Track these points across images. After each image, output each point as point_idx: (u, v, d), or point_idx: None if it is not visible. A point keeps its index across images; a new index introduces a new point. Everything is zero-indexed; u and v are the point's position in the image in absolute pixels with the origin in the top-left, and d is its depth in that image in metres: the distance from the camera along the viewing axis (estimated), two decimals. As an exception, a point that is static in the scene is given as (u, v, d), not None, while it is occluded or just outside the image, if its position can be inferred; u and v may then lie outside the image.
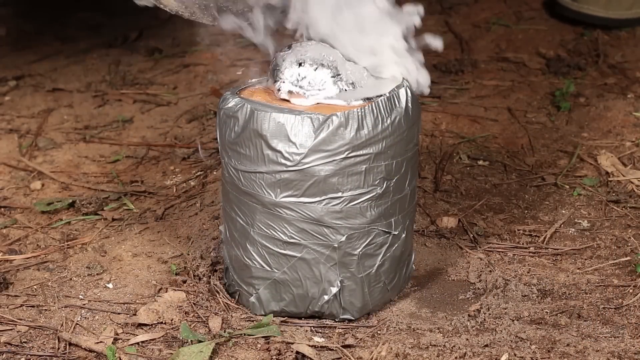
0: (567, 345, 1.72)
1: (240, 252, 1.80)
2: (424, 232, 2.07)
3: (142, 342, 1.76)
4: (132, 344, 1.75)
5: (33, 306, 1.87)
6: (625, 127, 2.51)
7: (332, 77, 1.76)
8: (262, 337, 1.75)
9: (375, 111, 1.71)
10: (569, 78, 2.78)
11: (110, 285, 1.93)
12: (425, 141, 2.43)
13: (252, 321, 1.80)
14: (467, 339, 1.73)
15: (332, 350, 1.73)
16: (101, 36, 3.24)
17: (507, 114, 2.61)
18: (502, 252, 2.01)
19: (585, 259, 1.98)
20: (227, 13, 1.72)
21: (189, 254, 2.01)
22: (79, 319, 1.83)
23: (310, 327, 1.79)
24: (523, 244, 2.03)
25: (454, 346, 1.71)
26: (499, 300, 1.84)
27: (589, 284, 1.90)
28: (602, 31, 3.06)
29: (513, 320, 1.78)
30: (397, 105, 1.74)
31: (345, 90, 1.77)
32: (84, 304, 1.87)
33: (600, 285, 1.89)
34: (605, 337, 1.74)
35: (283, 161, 1.70)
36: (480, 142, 2.46)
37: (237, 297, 1.85)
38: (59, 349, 1.75)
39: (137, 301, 1.88)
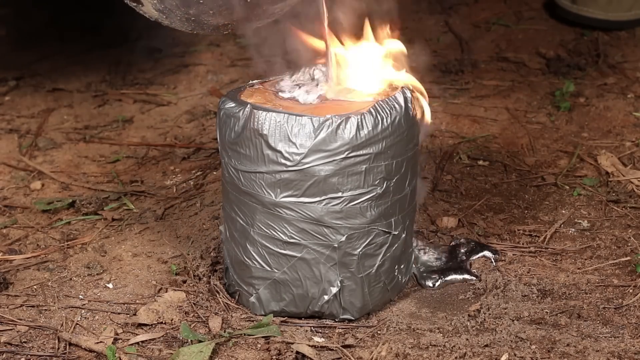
0: (567, 345, 1.72)
1: (240, 252, 1.80)
2: (424, 232, 2.07)
3: (142, 342, 1.76)
4: (132, 344, 1.75)
5: (33, 306, 1.87)
6: (625, 127, 2.51)
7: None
8: (262, 337, 1.75)
9: (375, 111, 1.71)
10: (569, 78, 2.78)
11: (110, 285, 1.93)
12: (425, 141, 2.43)
13: (252, 321, 1.80)
14: (467, 339, 1.73)
15: (332, 350, 1.73)
16: (101, 36, 3.24)
17: (507, 114, 2.61)
18: (502, 252, 2.00)
19: (585, 259, 1.98)
20: (206, 25, 1.73)
21: (189, 254, 2.01)
22: (79, 319, 1.83)
23: (310, 327, 1.79)
24: (523, 244, 2.03)
25: (454, 346, 1.71)
26: (499, 300, 1.84)
27: (589, 284, 1.90)
28: (602, 31, 3.06)
29: (513, 320, 1.78)
30: (397, 105, 1.74)
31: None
32: (84, 304, 1.87)
33: (600, 285, 1.89)
34: (605, 337, 1.74)
35: (283, 161, 1.70)
36: (480, 142, 2.46)
37: (237, 297, 1.86)
38: (59, 349, 1.75)
39: (137, 301, 1.88)
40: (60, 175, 2.38)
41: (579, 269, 1.95)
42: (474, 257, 1.95)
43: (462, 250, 1.97)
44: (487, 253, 1.96)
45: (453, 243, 1.99)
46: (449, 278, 1.90)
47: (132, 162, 2.45)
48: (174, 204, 2.22)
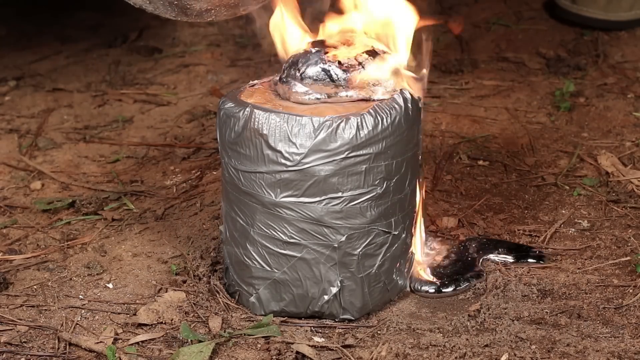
0: (567, 345, 1.72)
1: (240, 252, 1.80)
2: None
3: (142, 342, 1.76)
4: (132, 344, 1.75)
5: (33, 306, 1.87)
6: (625, 127, 2.51)
7: (338, 77, 1.77)
8: (262, 337, 1.75)
9: (374, 111, 1.71)
10: (569, 78, 2.78)
11: (110, 285, 1.93)
12: (425, 141, 2.43)
13: (252, 321, 1.80)
14: (467, 339, 1.73)
15: (332, 350, 1.73)
16: (101, 36, 3.24)
17: (507, 114, 2.61)
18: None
19: (585, 259, 1.98)
20: (189, 11, 1.73)
21: (189, 254, 2.01)
22: (79, 319, 1.83)
23: (310, 327, 1.79)
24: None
25: (454, 346, 1.71)
26: (499, 300, 1.84)
27: (589, 284, 1.90)
28: (602, 31, 3.06)
29: (513, 320, 1.78)
30: (397, 105, 1.74)
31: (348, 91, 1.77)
32: (84, 304, 1.87)
33: (600, 285, 1.89)
34: (605, 337, 1.74)
35: (283, 161, 1.70)
36: (480, 142, 2.46)
37: (237, 297, 1.85)
38: (59, 349, 1.75)
39: (137, 301, 1.88)
40: (60, 175, 2.38)
41: (579, 269, 1.95)
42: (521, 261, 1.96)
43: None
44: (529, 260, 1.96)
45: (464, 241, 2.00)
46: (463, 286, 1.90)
47: (132, 162, 2.45)
48: (174, 204, 2.22)
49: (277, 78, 1.80)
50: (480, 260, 1.95)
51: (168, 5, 1.72)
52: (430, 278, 1.89)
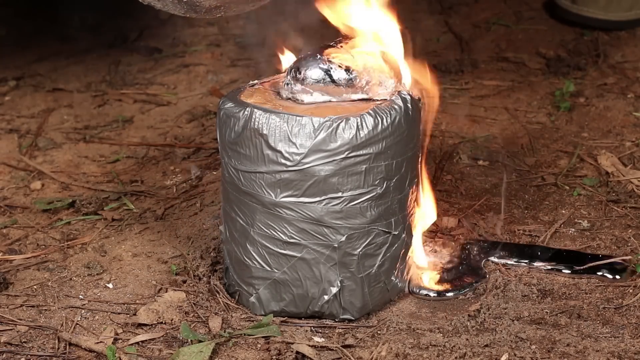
0: (567, 345, 1.72)
1: (240, 252, 1.80)
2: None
3: (142, 342, 1.76)
4: (132, 344, 1.75)
5: (33, 306, 1.87)
6: (625, 127, 2.51)
7: (340, 78, 1.77)
8: (262, 337, 1.75)
9: (374, 111, 1.71)
10: (569, 78, 2.78)
11: (110, 285, 1.93)
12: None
13: (252, 321, 1.80)
14: (467, 339, 1.73)
15: (332, 350, 1.73)
16: (101, 36, 3.24)
17: (507, 114, 2.61)
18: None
19: (585, 259, 1.98)
20: (199, 7, 1.72)
21: (189, 254, 2.01)
22: (79, 319, 1.83)
23: (310, 327, 1.79)
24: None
25: (454, 346, 1.71)
26: (499, 300, 1.84)
27: (589, 284, 1.90)
28: (602, 31, 3.06)
29: (513, 320, 1.78)
30: (396, 105, 1.74)
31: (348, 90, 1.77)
32: (84, 304, 1.87)
33: (600, 285, 1.89)
34: (605, 337, 1.74)
35: (283, 161, 1.70)
36: (480, 142, 2.46)
37: (237, 297, 1.86)
38: (59, 349, 1.75)
39: (137, 301, 1.88)
40: (60, 175, 2.38)
41: (579, 269, 1.95)
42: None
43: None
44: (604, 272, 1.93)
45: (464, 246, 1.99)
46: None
47: (132, 162, 2.45)
48: (174, 204, 2.22)
49: (279, 82, 1.81)
50: (483, 261, 1.95)
51: (177, 3, 1.71)
52: (432, 284, 1.89)
